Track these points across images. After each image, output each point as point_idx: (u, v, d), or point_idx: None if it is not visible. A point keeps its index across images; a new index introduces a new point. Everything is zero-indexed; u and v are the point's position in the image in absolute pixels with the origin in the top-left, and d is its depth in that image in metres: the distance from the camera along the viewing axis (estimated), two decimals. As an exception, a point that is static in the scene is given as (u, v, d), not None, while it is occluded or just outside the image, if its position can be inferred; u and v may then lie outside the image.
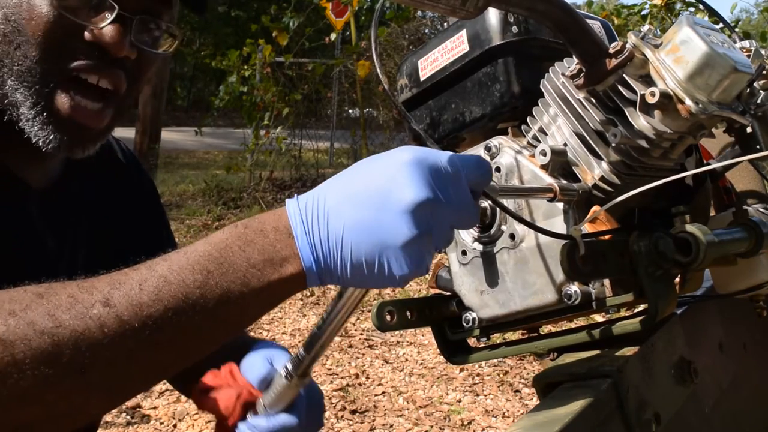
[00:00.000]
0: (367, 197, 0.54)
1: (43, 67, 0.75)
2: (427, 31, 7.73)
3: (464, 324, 0.79)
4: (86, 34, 0.76)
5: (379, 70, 0.70)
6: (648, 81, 0.65)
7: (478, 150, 0.77)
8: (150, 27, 0.81)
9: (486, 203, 0.75)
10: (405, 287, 4.50)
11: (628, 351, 0.72)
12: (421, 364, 3.52)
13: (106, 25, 0.76)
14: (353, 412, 3.01)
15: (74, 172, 0.92)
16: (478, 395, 3.21)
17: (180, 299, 0.52)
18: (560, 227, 0.70)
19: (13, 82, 0.76)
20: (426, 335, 3.81)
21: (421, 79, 0.84)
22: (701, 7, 1.14)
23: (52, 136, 0.77)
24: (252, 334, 3.90)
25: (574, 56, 0.67)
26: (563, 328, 0.80)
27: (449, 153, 0.57)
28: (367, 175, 0.56)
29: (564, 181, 0.70)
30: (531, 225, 0.66)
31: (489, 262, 0.76)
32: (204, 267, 0.53)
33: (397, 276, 0.55)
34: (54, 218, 0.87)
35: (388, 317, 0.76)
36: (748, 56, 0.74)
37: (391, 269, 0.55)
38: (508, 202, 0.74)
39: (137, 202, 1.03)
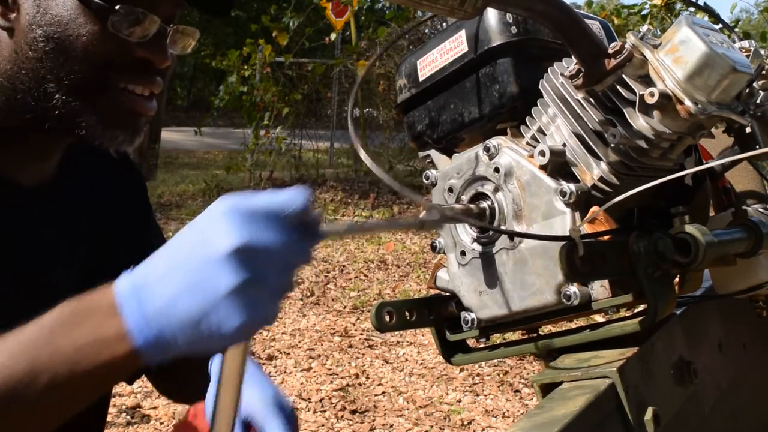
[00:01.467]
0: (188, 257, 0.53)
1: (94, 78, 0.78)
2: (427, 31, 7.73)
3: (463, 325, 0.79)
4: (134, 49, 0.78)
5: (351, 102, 0.71)
6: (647, 81, 0.65)
7: (477, 150, 0.77)
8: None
9: (485, 204, 0.75)
10: (404, 287, 4.50)
11: (628, 351, 0.71)
12: (421, 364, 3.52)
13: (151, 39, 0.79)
14: (353, 412, 3.01)
15: (70, 171, 0.92)
16: (478, 395, 3.21)
17: (9, 386, 0.53)
18: (559, 227, 0.70)
19: (62, 96, 0.78)
20: (426, 335, 3.81)
21: (420, 79, 0.84)
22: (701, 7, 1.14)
23: (118, 135, 0.80)
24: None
25: (573, 56, 0.67)
26: (563, 329, 0.80)
27: (263, 194, 0.55)
28: (187, 235, 0.55)
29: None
30: (521, 234, 0.66)
31: (488, 262, 0.76)
32: (31, 354, 0.54)
33: (231, 330, 0.52)
34: (50, 216, 0.88)
35: (387, 318, 0.76)
36: (748, 56, 0.74)
37: (224, 323, 0.52)
38: (507, 202, 0.74)
39: (127, 199, 1.04)
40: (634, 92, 0.64)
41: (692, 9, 4.98)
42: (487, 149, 0.76)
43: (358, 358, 3.58)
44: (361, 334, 3.87)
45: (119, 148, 0.83)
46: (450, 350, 0.83)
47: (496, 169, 0.74)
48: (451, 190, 0.80)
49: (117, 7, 0.75)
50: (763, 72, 0.79)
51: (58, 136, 0.84)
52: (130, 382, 1.09)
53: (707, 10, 1.15)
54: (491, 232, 0.75)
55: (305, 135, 8.52)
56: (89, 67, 0.77)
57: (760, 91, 0.78)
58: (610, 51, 0.64)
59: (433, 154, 0.85)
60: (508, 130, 0.78)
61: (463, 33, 0.79)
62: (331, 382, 3.29)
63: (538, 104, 0.74)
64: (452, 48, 0.80)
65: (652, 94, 0.63)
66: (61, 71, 0.77)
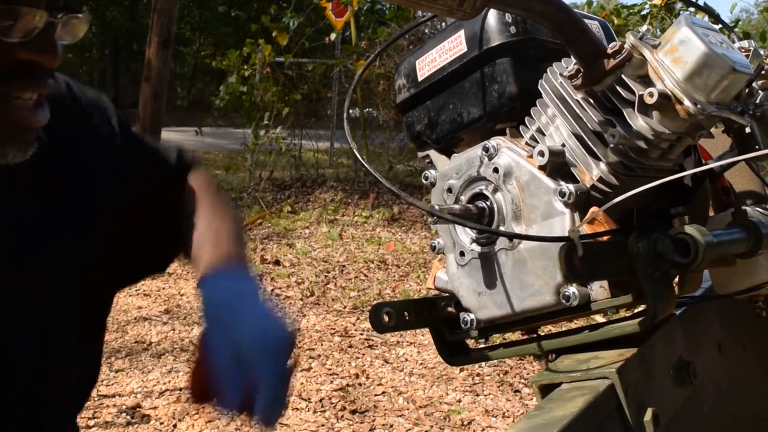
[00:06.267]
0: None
1: None
2: (426, 30, 7.72)
3: (462, 325, 0.79)
4: (16, 52, 0.68)
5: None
6: (646, 81, 0.65)
7: (476, 150, 0.77)
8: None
9: (484, 204, 0.75)
10: (404, 287, 4.50)
11: (627, 352, 0.71)
12: (421, 364, 3.52)
13: (36, 37, 0.68)
14: (353, 412, 3.01)
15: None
16: (478, 395, 3.20)
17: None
18: (558, 228, 0.70)
19: None
20: (426, 335, 3.80)
21: (419, 79, 0.84)
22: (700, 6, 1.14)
23: (8, 151, 0.73)
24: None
25: (572, 56, 0.66)
26: (563, 329, 0.80)
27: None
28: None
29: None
30: (520, 236, 0.66)
31: (487, 263, 0.76)
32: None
33: None
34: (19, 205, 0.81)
35: (386, 318, 0.75)
36: (747, 56, 0.74)
37: None
38: (506, 203, 0.74)
39: (108, 143, 0.95)
40: (633, 92, 0.64)
41: (692, 9, 4.98)
42: (486, 149, 0.76)
43: (358, 358, 3.58)
44: (361, 334, 3.87)
45: (9, 163, 0.74)
46: (449, 351, 0.83)
47: (495, 170, 0.74)
48: (450, 190, 0.79)
49: None
50: (763, 72, 0.79)
51: None
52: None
53: (707, 10, 1.15)
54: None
55: (305, 135, 8.51)
56: None
57: (760, 91, 0.78)
58: (609, 51, 0.64)
59: (432, 154, 0.85)
60: (507, 131, 0.77)
61: (462, 33, 0.78)
62: (331, 382, 3.29)
63: (537, 104, 0.74)
64: (451, 48, 0.79)
65: (651, 95, 0.62)
66: None
